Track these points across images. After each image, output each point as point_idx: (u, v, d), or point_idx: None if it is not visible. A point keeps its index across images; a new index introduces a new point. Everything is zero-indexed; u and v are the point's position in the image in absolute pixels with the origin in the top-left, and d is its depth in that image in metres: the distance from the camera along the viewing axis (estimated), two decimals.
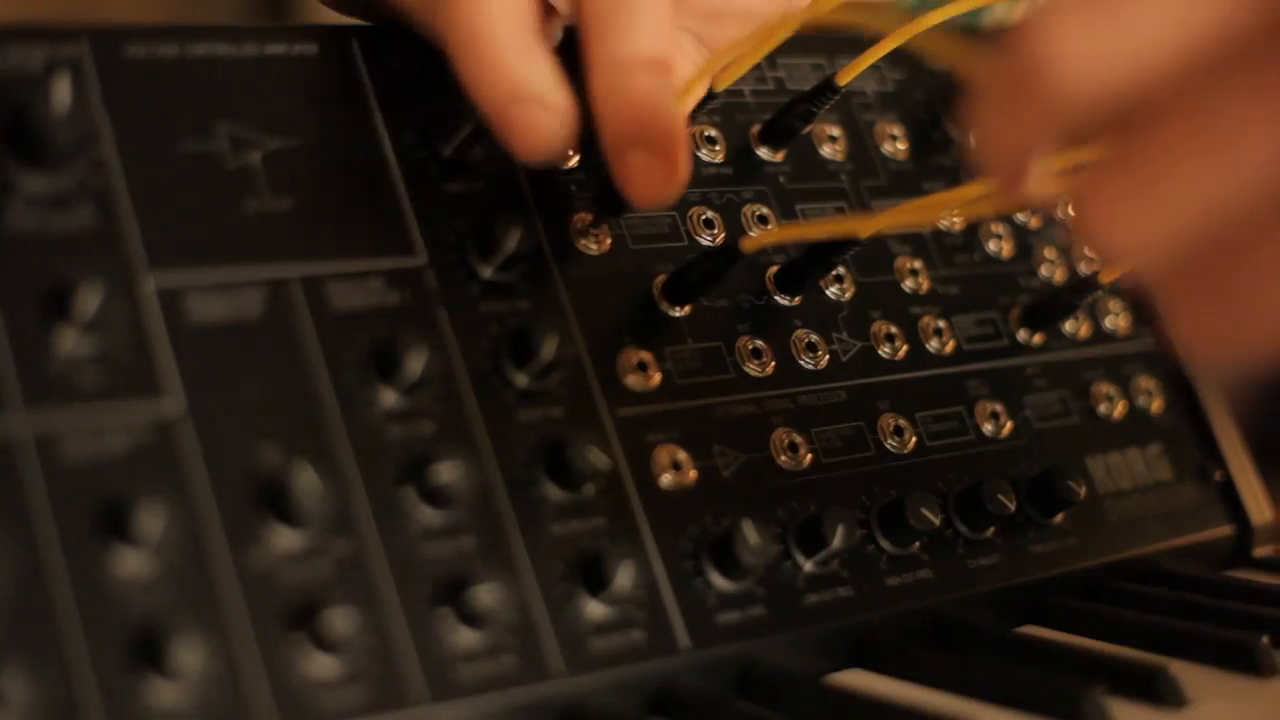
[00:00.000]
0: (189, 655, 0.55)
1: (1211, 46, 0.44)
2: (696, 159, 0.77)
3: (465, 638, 0.61)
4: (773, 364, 0.74)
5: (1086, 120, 0.46)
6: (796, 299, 0.76)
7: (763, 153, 0.79)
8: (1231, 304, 0.46)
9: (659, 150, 0.65)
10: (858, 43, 0.77)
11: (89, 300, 0.57)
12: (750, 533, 0.67)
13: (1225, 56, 0.44)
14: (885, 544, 0.73)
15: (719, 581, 0.68)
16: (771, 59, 0.80)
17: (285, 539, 0.59)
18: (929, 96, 0.86)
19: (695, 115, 0.74)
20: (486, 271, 0.67)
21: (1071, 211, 0.47)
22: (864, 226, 0.73)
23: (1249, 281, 0.46)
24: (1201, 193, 0.45)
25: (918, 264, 0.81)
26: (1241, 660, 0.71)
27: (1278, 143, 0.44)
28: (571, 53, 0.67)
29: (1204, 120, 0.45)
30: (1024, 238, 0.86)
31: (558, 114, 0.63)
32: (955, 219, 0.83)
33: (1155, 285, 0.47)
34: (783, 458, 0.72)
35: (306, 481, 0.58)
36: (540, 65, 0.64)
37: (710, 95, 0.74)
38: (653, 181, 0.66)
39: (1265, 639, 0.71)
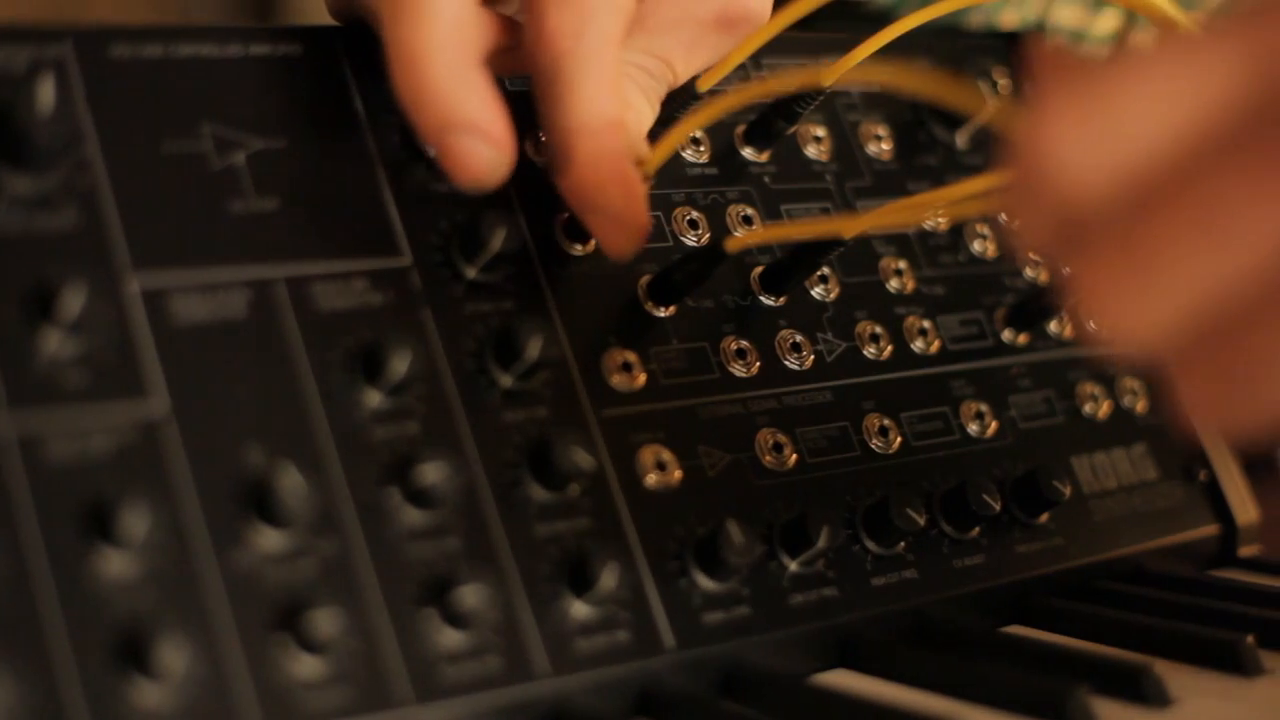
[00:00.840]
0: (173, 656, 0.54)
1: (1199, 135, 0.45)
2: (681, 159, 0.77)
3: (450, 638, 0.61)
4: (758, 364, 0.74)
5: (1095, 211, 0.46)
6: (781, 299, 0.76)
7: (748, 153, 0.79)
8: (1234, 380, 0.47)
9: (615, 216, 0.66)
10: (842, 43, 0.77)
11: (73, 301, 0.57)
12: (735, 533, 0.67)
13: (1214, 144, 0.45)
14: (870, 544, 0.73)
15: (704, 582, 0.68)
16: (756, 60, 0.81)
17: (270, 540, 0.59)
18: (914, 97, 0.86)
19: (677, 117, 0.74)
20: (471, 272, 0.67)
21: (1075, 296, 0.48)
22: (849, 227, 0.73)
23: (1250, 360, 0.46)
24: (1199, 279, 0.46)
25: (902, 264, 0.81)
26: (1227, 660, 0.71)
27: (1270, 226, 0.44)
28: None
29: (1198, 208, 0.45)
30: (1009, 238, 0.86)
31: (494, 145, 0.63)
32: (940, 219, 0.83)
33: (1159, 361, 0.48)
34: (768, 458, 0.72)
35: (291, 482, 0.58)
36: (477, 93, 0.63)
37: (694, 96, 0.74)
38: (614, 239, 0.67)
39: (1250, 638, 0.71)
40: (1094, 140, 0.46)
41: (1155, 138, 0.46)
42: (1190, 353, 0.47)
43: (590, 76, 0.65)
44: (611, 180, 0.65)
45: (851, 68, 0.72)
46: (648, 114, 0.71)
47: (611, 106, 0.66)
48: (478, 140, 0.63)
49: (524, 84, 0.70)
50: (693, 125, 0.73)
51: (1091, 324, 0.48)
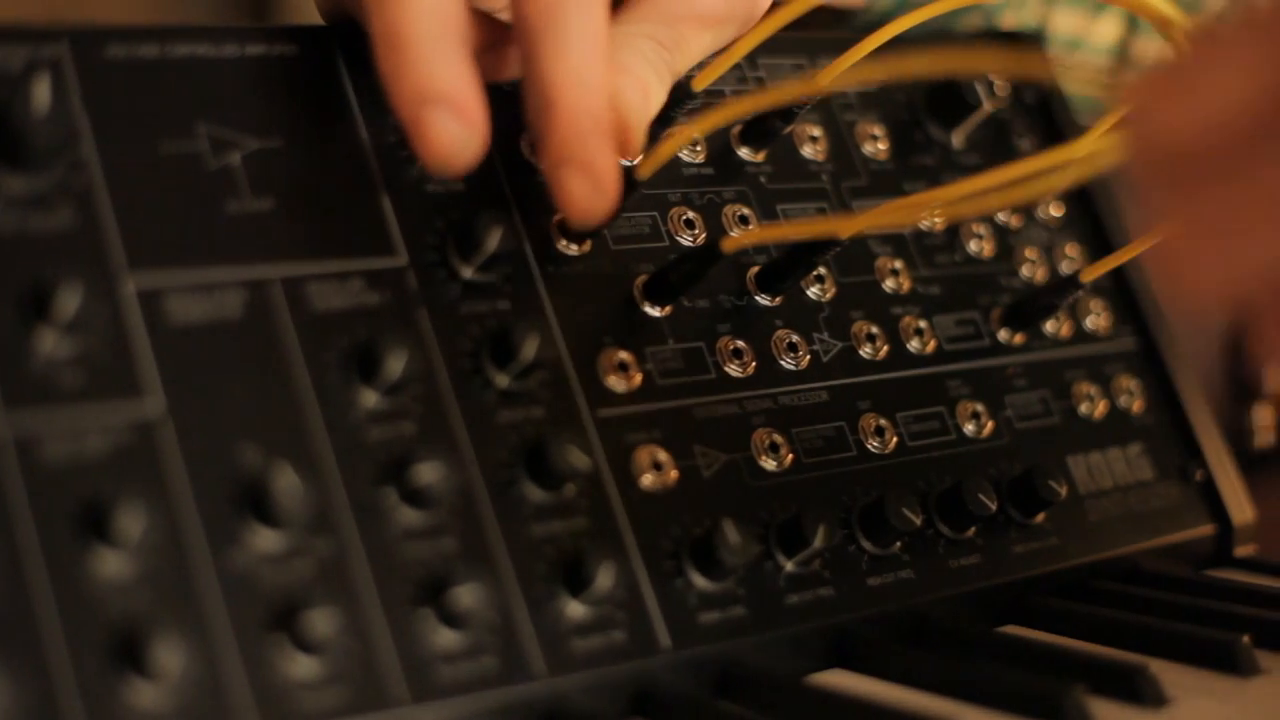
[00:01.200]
0: (169, 656, 0.54)
1: (1271, 108, 0.48)
2: (678, 159, 0.77)
3: (446, 638, 0.61)
4: (754, 364, 0.74)
5: (1185, 166, 0.49)
6: (777, 299, 0.76)
7: (744, 153, 0.79)
8: (1225, 238, 0.49)
9: (592, 171, 0.65)
10: (838, 43, 0.77)
11: (69, 301, 0.57)
12: (731, 533, 0.67)
13: None
14: (866, 544, 0.73)
15: (700, 582, 0.68)
16: (752, 60, 0.80)
17: (265, 540, 0.59)
18: (910, 97, 0.86)
19: (675, 116, 0.74)
20: (467, 272, 0.67)
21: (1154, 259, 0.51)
22: (845, 227, 0.73)
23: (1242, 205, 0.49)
24: (1260, 247, 0.48)
25: (898, 264, 0.81)
26: (1223, 660, 0.71)
27: None
28: None
29: (1266, 180, 0.48)
30: (1005, 238, 0.86)
31: (466, 123, 0.63)
32: (936, 219, 0.83)
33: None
34: (764, 458, 0.72)
35: (286, 482, 0.58)
36: (454, 68, 0.63)
37: (690, 95, 0.74)
38: (586, 199, 0.65)
39: (1246, 638, 0.71)
40: (1179, 103, 0.49)
41: (1230, 105, 0.48)
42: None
43: (578, 29, 0.65)
44: (594, 132, 0.65)
45: (890, 66, 0.72)
46: (655, 87, 0.70)
47: (600, 60, 0.65)
48: (450, 116, 0.62)
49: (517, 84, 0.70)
50: (692, 131, 0.72)
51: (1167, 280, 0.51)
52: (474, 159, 0.64)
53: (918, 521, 0.73)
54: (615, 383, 0.70)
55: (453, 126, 0.62)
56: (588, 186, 0.65)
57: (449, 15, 0.64)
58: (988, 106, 0.86)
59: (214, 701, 0.56)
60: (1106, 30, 0.99)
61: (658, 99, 0.70)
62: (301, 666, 0.58)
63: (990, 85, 0.88)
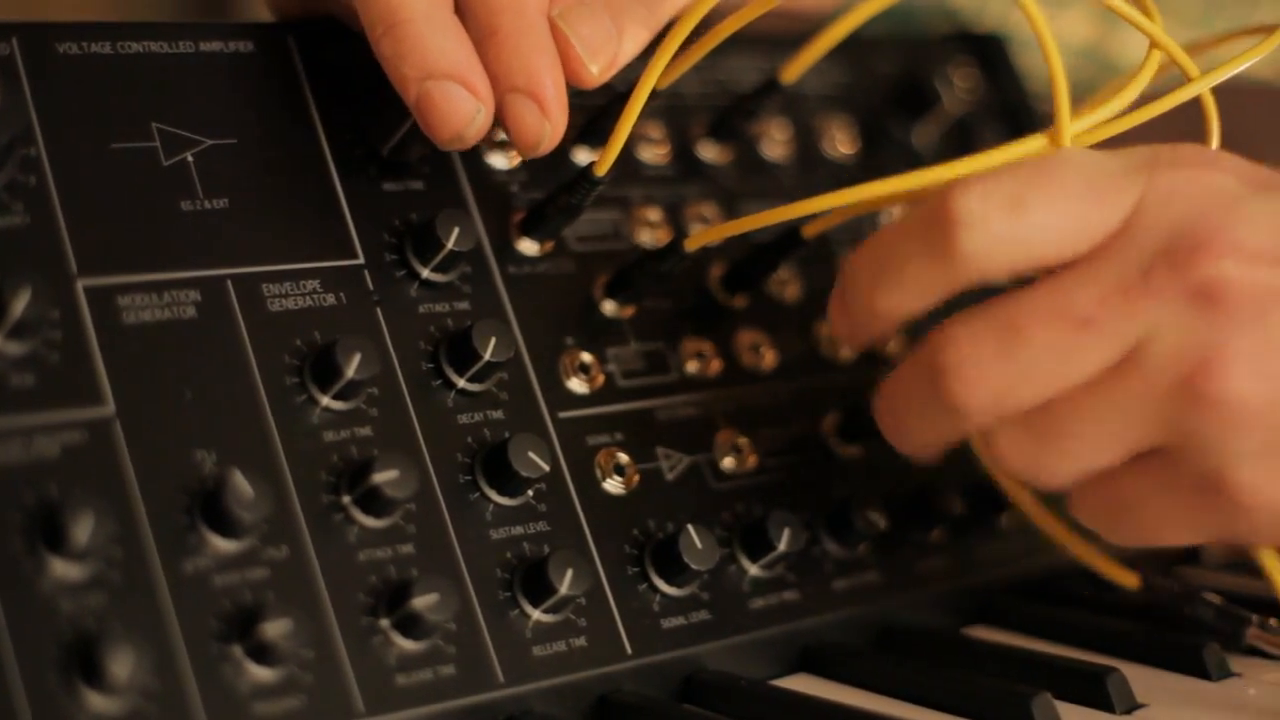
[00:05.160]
0: (120, 667, 0.53)
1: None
2: (640, 160, 0.76)
3: (403, 647, 0.60)
4: (717, 365, 0.73)
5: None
6: (741, 300, 0.75)
7: (707, 153, 0.78)
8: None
9: (538, 96, 0.64)
10: (800, 44, 0.76)
11: (18, 301, 0.56)
12: (695, 537, 0.66)
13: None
14: (831, 546, 0.72)
15: (663, 586, 0.67)
16: (713, 60, 0.80)
17: (218, 547, 0.58)
18: (873, 97, 0.86)
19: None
20: (425, 271, 0.66)
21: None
22: (800, 210, 0.70)
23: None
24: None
25: None
26: (1192, 663, 0.70)
27: None
28: None
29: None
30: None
31: (476, 95, 0.63)
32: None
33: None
34: (727, 460, 0.71)
35: (239, 488, 0.57)
36: (458, 43, 0.63)
37: (652, 93, 0.73)
38: (531, 126, 0.64)
39: (1215, 642, 0.71)
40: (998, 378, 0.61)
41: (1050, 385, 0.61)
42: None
43: None
44: (534, 54, 0.64)
45: None
46: (630, 23, 0.68)
47: None
48: (458, 90, 0.62)
49: None
50: (636, 105, 0.70)
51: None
52: (483, 131, 0.64)
53: (883, 524, 0.72)
54: (576, 384, 0.69)
55: (464, 98, 0.62)
56: (533, 113, 0.64)
57: None
58: (951, 106, 0.86)
59: (166, 712, 0.55)
60: (1075, 26, 0.99)
61: (634, 38, 0.68)
62: (255, 677, 0.57)
63: (954, 84, 0.88)
